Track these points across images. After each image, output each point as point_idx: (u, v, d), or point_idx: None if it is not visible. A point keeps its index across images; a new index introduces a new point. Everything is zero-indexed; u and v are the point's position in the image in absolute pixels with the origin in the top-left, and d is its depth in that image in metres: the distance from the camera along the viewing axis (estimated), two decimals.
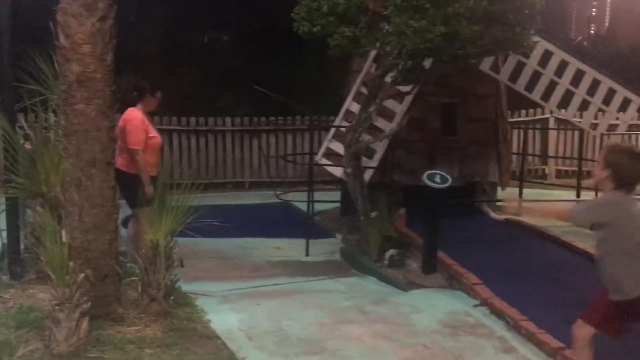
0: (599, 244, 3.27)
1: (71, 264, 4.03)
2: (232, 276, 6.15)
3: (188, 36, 14.34)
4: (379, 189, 7.12)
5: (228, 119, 11.07)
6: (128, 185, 5.77)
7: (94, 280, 4.41)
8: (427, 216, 5.68)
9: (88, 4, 4.28)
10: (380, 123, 6.78)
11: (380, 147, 6.87)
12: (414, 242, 6.37)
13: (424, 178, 5.57)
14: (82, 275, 4.03)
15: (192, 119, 10.96)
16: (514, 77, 7.30)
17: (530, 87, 7.27)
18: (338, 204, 8.46)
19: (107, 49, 4.41)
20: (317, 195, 8.25)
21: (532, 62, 7.03)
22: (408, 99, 6.72)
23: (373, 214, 6.54)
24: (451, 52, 4.95)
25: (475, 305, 5.02)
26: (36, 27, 5.62)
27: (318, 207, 8.12)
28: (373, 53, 7.35)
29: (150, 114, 6.09)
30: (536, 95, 7.23)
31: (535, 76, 7.23)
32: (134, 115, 5.81)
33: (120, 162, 5.81)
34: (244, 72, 12.47)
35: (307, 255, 6.82)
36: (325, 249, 7.07)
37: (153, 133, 5.99)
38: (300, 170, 11.21)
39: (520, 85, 7.21)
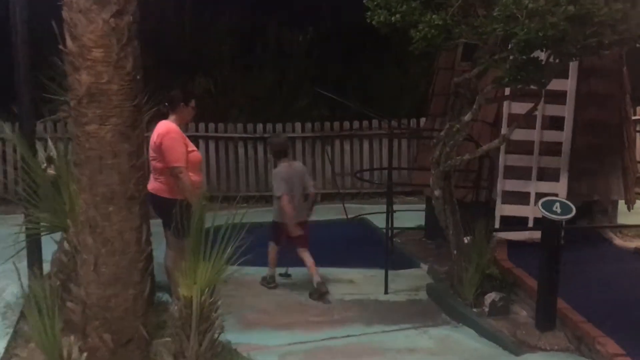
0: None
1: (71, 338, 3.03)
2: (295, 322, 5.05)
3: (262, 37, 13.59)
4: (473, 210, 5.82)
5: (298, 125, 10.01)
6: (171, 213, 4.81)
7: (114, 346, 3.44)
8: (542, 254, 4.34)
9: None
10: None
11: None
12: (521, 282, 5.02)
13: (540, 207, 4.22)
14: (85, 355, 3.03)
15: (259, 126, 9.99)
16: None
17: None
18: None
19: (125, 52, 3.39)
20: (398, 209, 7.02)
21: None
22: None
23: (467, 239, 5.27)
24: (581, 42, 3.61)
25: None
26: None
27: (398, 225, 6.91)
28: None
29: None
30: None
31: None
32: (170, 128, 4.83)
33: (157, 186, 4.85)
34: (320, 73, 11.51)
35: (386, 292, 5.61)
36: (408, 283, 5.83)
37: (192, 147, 5.01)
38: (378, 178, 10.01)
39: None
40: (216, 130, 9.90)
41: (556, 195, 5.65)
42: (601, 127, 5.99)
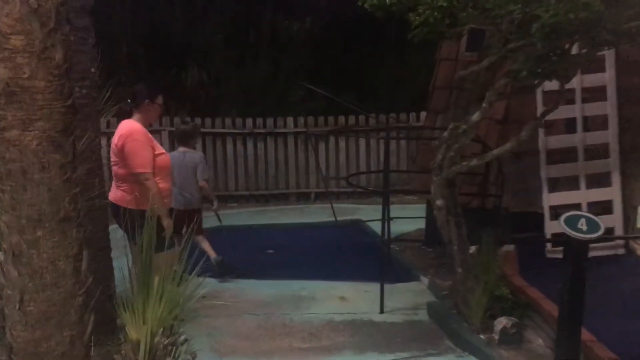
0: None
1: None
2: (278, 348, 4.38)
3: (256, 26, 12.94)
4: (478, 217, 5.13)
5: (290, 120, 9.30)
6: (137, 225, 4.15)
7: None
8: (565, 278, 3.65)
9: None
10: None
11: None
12: (536, 304, 4.33)
13: (562, 223, 3.53)
14: None
15: (249, 121, 9.28)
16: None
17: None
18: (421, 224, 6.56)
19: (52, 40, 2.68)
20: (396, 208, 6.33)
21: None
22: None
23: (472, 249, 4.60)
24: (618, 26, 2.91)
25: None
26: None
27: (397, 228, 6.23)
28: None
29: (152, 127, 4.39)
30: None
31: None
32: (133, 128, 4.15)
33: (120, 195, 4.19)
34: (316, 64, 10.86)
35: (381, 312, 4.93)
36: (406, 300, 5.16)
37: (160, 149, 4.33)
38: (375, 177, 9.31)
39: None
40: (203, 125, 9.17)
41: (610, 202, 4.99)
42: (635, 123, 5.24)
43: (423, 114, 9.21)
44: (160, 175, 4.27)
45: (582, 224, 3.50)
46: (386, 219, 5.21)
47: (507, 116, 5.33)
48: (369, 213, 7.96)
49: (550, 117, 4.19)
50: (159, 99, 4.39)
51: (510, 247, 5.27)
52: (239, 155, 9.23)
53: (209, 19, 12.04)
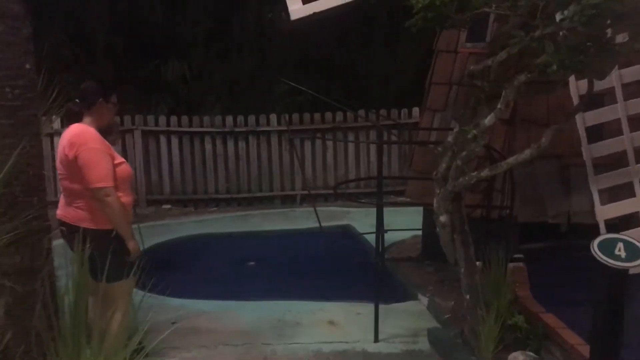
0: None
1: None
2: None
3: (240, 17, 12.28)
4: (481, 229, 4.51)
5: (274, 117, 8.61)
6: (99, 248, 3.50)
7: None
8: (598, 313, 3.03)
9: None
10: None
11: None
12: (556, 335, 3.70)
13: (594, 248, 2.90)
14: None
15: (229, 118, 8.58)
16: None
17: None
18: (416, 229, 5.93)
19: None
20: (389, 216, 5.67)
21: None
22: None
23: (478, 264, 3.98)
24: None
25: None
26: None
27: (391, 236, 5.56)
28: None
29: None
30: None
31: None
32: (88, 134, 3.47)
33: (75, 214, 3.51)
34: (304, 57, 10.22)
35: (376, 340, 4.29)
36: (404, 324, 4.52)
37: (119, 158, 3.65)
38: (365, 174, 8.67)
39: None
40: (179, 124, 8.48)
41: None
42: None
43: (415, 110, 8.61)
44: (122, 188, 3.60)
45: (620, 249, 2.88)
46: (380, 232, 4.55)
47: (514, 116, 4.70)
48: (359, 217, 7.34)
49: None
50: (114, 98, 3.69)
51: (519, 264, 4.66)
52: (219, 156, 8.54)
53: (191, 9, 11.38)
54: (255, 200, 8.60)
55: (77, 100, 3.61)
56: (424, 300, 4.88)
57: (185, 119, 8.47)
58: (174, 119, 8.48)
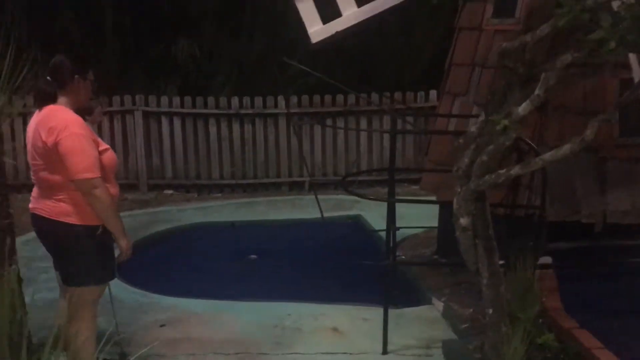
0: None
1: None
2: None
3: None
4: (504, 228, 3.97)
5: (282, 99, 8.07)
6: (83, 247, 3.06)
7: None
8: None
9: None
10: None
11: None
12: (592, 356, 3.20)
13: None
14: None
15: (235, 100, 8.06)
16: None
17: None
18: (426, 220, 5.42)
19: None
20: (401, 206, 5.12)
21: None
22: None
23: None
24: None
25: None
26: None
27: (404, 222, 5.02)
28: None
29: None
30: None
31: None
32: (68, 118, 3.01)
33: (56, 208, 3.07)
34: None
35: (385, 352, 3.80)
36: (416, 333, 4.02)
37: (103, 144, 3.17)
38: (378, 161, 8.15)
39: None
40: (182, 105, 8.00)
41: None
42: None
43: (432, 93, 8.04)
44: (108, 178, 3.13)
45: None
46: (391, 230, 4.04)
47: (545, 101, 4.12)
48: (369, 207, 6.79)
49: None
50: (90, 74, 3.19)
51: (547, 262, 4.14)
52: (224, 139, 8.05)
53: None
54: (261, 186, 8.12)
55: (48, 78, 3.11)
56: (439, 305, 4.39)
57: (188, 99, 7.98)
58: (176, 99, 8.00)
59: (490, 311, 3.19)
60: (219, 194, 8.04)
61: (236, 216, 6.95)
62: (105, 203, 2.99)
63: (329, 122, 7.97)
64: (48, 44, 9.68)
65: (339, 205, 7.00)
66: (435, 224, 5.57)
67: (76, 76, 3.08)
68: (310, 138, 8.11)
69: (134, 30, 10.89)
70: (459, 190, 3.12)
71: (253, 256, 5.74)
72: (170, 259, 5.61)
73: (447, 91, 5.02)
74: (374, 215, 6.39)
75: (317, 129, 8.07)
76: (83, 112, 5.56)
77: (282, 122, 8.03)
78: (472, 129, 3.13)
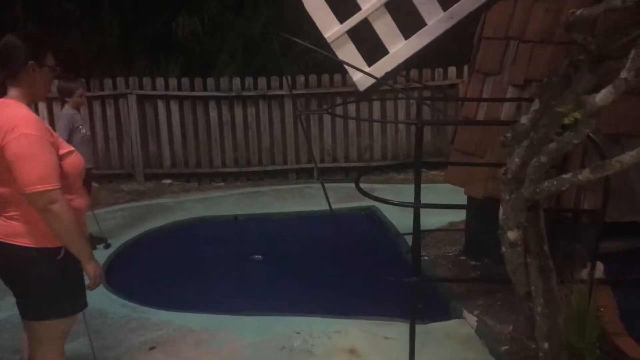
0: None
1: None
2: None
3: None
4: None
5: (285, 80, 7.40)
6: (40, 274, 2.47)
7: None
8: None
9: None
10: None
11: None
12: None
13: None
14: None
15: (236, 81, 7.40)
16: None
17: None
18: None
19: None
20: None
21: None
22: None
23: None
24: None
25: None
26: None
27: (424, 221, 4.28)
28: None
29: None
30: None
31: None
32: (20, 115, 2.39)
33: (3, 227, 2.47)
34: None
35: None
36: (446, 355, 3.40)
37: (65, 146, 2.54)
38: (393, 146, 7.51)
39: None
40: (179, 88, 7.35)
41: None
42: None
43: (451, 70, 7.35)
44: (73, 188, 2.51)
45: None
46: (417, 242, 3.41)
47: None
48: (385, 196, 6.17)
49: None
50: (50, 58, 2.55)
51: (599, 269, 3.51)
52: (226, 124, 7.42)
53: None
54: (266, 174, 7.51)
55: None
56: (471, 319, 3.77)
57: (186, 81, 7.33)
58: (173, 81, 7.35)
59: (546, 345, 2.57)
60: (222, 183, 7.44)
61: (239, 208, 6.35)
62: (65, 222, 2.37)
63: (338, 102, 7.29)
64: (43, 20, 9.08)
65: (350, 195, 6.34)
66: (456, 212, 4.98)
67: (30, 62, 2.44)
68: (318, 120, 7.46)
69: (133, 5, 10.31)
70: (507, 197, 2.48)
71: (257, 256, 5.14)
72: (164, 262, 5.03)
73: (476, 69, 4.34)
74: (389, 206, 5.75)
75: (325, 115, 7.41)
76: (62, 93, 5.00)
77: (288, 105, 7.38)
78: (523, 120, 2.48)
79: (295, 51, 9.15)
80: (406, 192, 6.24)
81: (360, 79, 3.39)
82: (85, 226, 2.65)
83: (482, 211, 4.15)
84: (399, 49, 3.39)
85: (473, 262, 4.50)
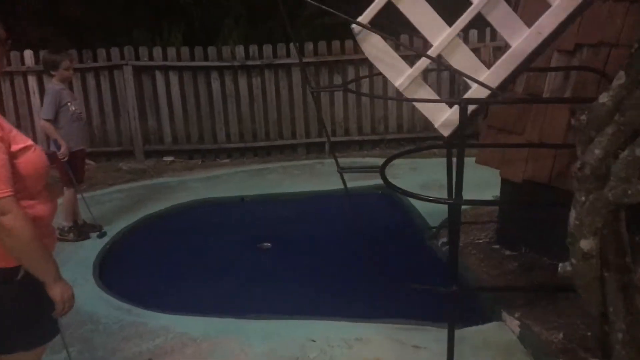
0: None
1: None
2: None
3: None
4: None
5: (293, 48, 6.77)
6: None
7: None
8: None
9: None
10: None
11: None
12: None
13: None
14: None
15: (240, 49, 6.78)
16: None
17: None
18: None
19: None
20: (431, 166, 3.75)
21: None
22: None
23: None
24: None
25: None
26: None
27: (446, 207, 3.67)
28: None
29: None
30: None
31: None
32: None
33: None
34: None
35: None
36: None
37: (22, 140, 1.98)
38: (409, 117, 6.92)
39: None
40: (178, 57, 6.75)
41: None
42: None
43: (472, 33, 6.69)
44: (32, 192, 1.98)
45: None
46: (455, 241, 2.86)
47: None
48: (402, 174, 5.62)
49: None
50: (3, 34, 1.99)
51: None
52: (229, 96, 6.83)
53: None
54: (274, 149, 6.95)
55: None
56: (512, 323, 3.25)
57: (185, 50, 6.72)
58: (172, 51, 6.74)
59: None
60: (227, 160, 6.90)
61: (246, 188, 5.83)
62: (21, 237, 1.84)
63: (351, 72, 6.67)
64: None
65: (365, 169, 5.78)
66: (480, 191, 4.37)
67: None
68: (328, 94, 6.85)
69: None
70: (583, 199, 1.92)
71: (266, 244, 4.63)
72: (162, 254, 4.52)
73: None
74: (409, 183, 5.17)
75: (337, 78, 6.79)
76: (47, 66, 4.45)
77: (295, 74, 6.76)
78: (604, 99, 1.90)
79: (305, 15, 8.51)
80: (424, 168, 5.71)
81: (443, 126, 2.67)
82: (54, 240, 2.13)
83: (519, 195, 3.62)
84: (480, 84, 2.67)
85: (508, 252, 3.95)
